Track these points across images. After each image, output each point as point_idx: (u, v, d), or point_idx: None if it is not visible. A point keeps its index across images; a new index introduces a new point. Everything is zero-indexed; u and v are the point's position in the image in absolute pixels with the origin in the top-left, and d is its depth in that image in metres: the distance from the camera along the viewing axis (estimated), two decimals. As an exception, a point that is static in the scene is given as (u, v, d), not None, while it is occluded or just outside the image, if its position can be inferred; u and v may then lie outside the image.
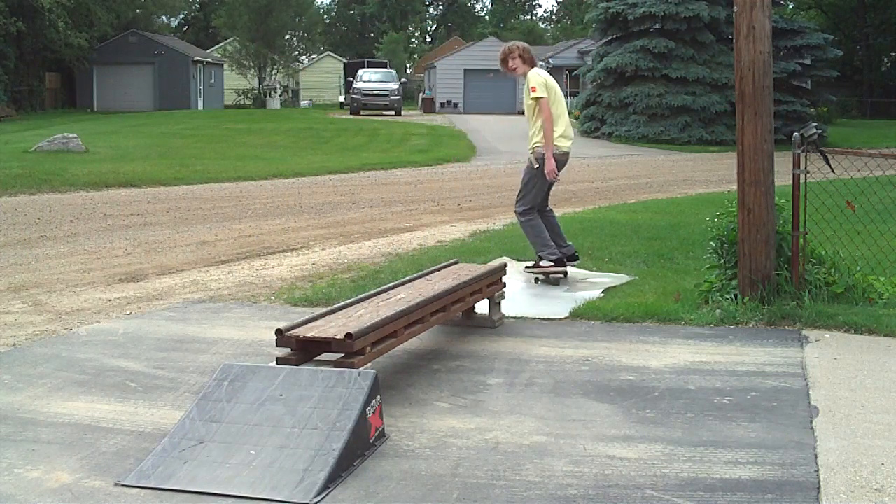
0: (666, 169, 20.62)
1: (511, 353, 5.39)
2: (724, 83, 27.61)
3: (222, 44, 56.20)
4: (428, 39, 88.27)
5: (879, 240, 6.78)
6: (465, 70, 49.21)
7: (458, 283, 5.56)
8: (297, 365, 4.21)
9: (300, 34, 58.62)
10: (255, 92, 52.62)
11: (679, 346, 5.48)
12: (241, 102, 52.42)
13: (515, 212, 7.47)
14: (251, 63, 52.12)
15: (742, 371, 4.97)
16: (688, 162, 22.76)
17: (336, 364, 4.20)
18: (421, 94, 51.96)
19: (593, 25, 31.38)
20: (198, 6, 68.65)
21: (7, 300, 6.98)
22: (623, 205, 12.91)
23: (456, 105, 48.67)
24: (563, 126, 7.20)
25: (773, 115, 6.12)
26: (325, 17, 76.89)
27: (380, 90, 41.65)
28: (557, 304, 6.62)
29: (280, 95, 53.23)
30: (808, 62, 28.81)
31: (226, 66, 53.18)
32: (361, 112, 40.48)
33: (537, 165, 7.20)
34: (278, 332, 4.35)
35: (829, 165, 6.32)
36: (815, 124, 6.57)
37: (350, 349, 4.22)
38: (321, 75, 61.97)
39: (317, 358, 4.33)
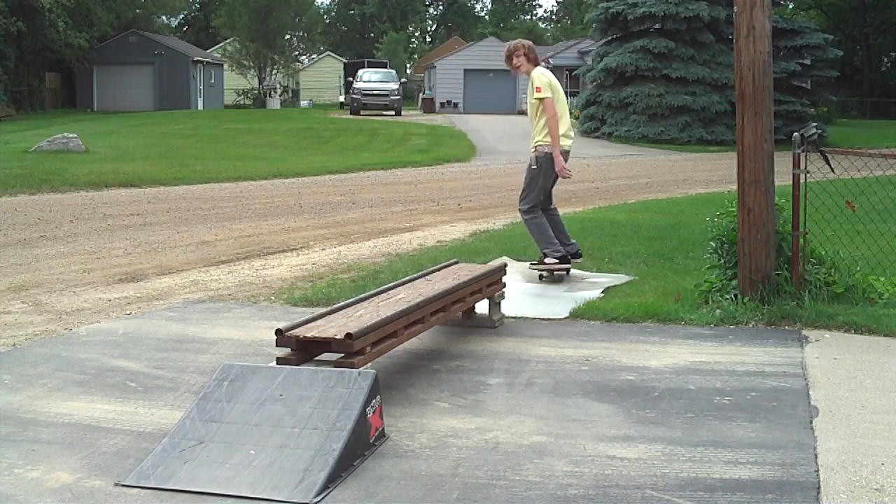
0: (666, 169, 20.62)
1: (511, 353, 5.39)
2: (724, 83, 27.61)
3: (222, 44, 56.20)
4: (428, 39, 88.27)
5: (879, 240, 6.78)
6: (465, 70, 49.22)
7: (458, 283, 5.56)
8: (297, 365, 4.21)
9: (300, 34, 58.63)
10: (255, 92, 52.63)
11: (679, 346, 5.48)
12: (241, 102, 52.43)
13: (520, 210, 7.54)
14: (251, 63, 52.12)
15: (742, 371, 4.97)
16: (688, 162, 22.77)
17: (336, 364, 4.20)
18: (421, 94, 51.96)
19: (593, 25, 31.38)
20: (198, 6, 68.65)
21: (7, 300, 6.98)
22: (623, 205, 12.92)
23: (456, 105, 48.66)
24: (565, 126, 7.34)
25: (773, 115, 6.12)
26: (325, 17, 76.88)
27: (380, 90, 41.66)
28: (557, 304, 6.62)
29: (280, 95, 53.24)
30: (808, 62, 28.82)
31: (226, 66, 53.18)
32: (361, 112, 40.48)
33: (535, 166, 7.31)
34: (278, 332, 4.35)
35: (829, 165, 6.32)
36: (815, 124, 6.57)
37: (350, 349, 4.22)
38: (321, 75, 61.97)
39: (317, 358, 4.33)
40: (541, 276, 7.44)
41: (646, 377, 4.89)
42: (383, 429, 4.01)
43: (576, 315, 6.25)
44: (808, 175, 6.07)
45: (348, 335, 4.21)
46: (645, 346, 5.51)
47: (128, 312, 6.54)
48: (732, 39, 6.37)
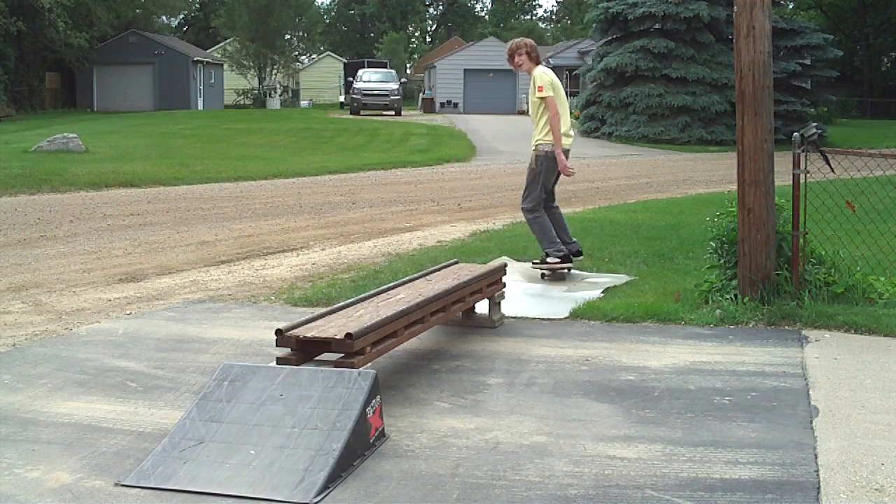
0: (666, 169, 20.62)
1: (511, 353, 5.39)
2: (724, 83, 27.62)
3: (222, 44, 56.21)
4: (428, 39, 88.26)
5: (879, 240, 6.78)
6: (465, 70, 49.21)
7: (458, 283, 5.56)
8: (297, 365, 4.21)
9: (300, 34, 58.63)
10: (255, 92, 52.63)
11: (679, 346, 5.48)
12: (241, 102, 52.43)
13: (522, 209, 7.60)
14: (251, 63, 52.13)
15: (742, 371, 4.97)
16: (688, 162, 22.77)
17: (336, 364, 4.20)
18: (421, 94, 51.95)
19: (593, 25, 31.37)
20: (198, 6, 68.65)
21: (7, 300, 6.98)
22: (623, 205, 12.92)
23: (456, 105, 48.66)
24: (566, 125, 7.42)
25: (773, 115, 6.12)
26: (325, 17, 76.88)
27: (380, 90, 41.66)
28: (557, 304, 6.62)
29: (280, 95, 53.24)
30: (808, 62, 28.82)
31: (226, 66, 53.19)
32: (361, 112, 40.49)
33: (536, 165, 7.38)
34: (278, 332, 4.35)
35: (829, 165, 6.32)
36: (815, 124, 6.57)
37: (350, 349, 4.22)
38: (321, 75, 61.97)
39: (317, 358, 4.33)
40: (543, 275, 7.50)
41: (646, 377, 4.89)
42: (383, 429, 4.01)
43: (576, 315, 6.25)
44: (808, 175, 6.07)
45: (348, 335, 4.21)
46: (645, 346, 5.51)
47: (128, 312, 6.54)
48: (732, 39, 6.37)
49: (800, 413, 4.32)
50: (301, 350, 4.32)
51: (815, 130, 6.14)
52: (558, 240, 7.44)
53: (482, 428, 4.16)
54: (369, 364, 4.45)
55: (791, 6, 43.19)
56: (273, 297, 6.94)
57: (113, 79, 45.73)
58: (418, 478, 3.62)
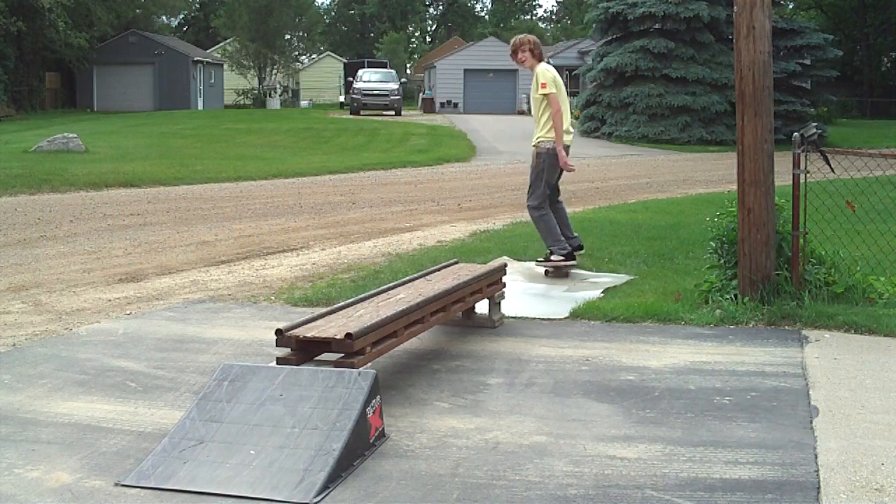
0: (666, 169, 20.62)
1: (511, 353, 5.39)
2: (724, 83, 27.61)
3: (222, 44, 56.21)
4: (428, 39, 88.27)
5: (879, 240, 6.78)
6: (465, 70, 49.21)
7: (458, 283, 5.56)
8: (297, 365, 4.21)
9: (300, 34, 58.63)
10: (255, 92, 52.64)
11: (679, 346, 5.48)
12: (241, 102, 52.43)
13: (528, 206, 7.69)
14: (251, 63, 52.13)
15: (742, 371, 4.97)
16: (688, 162, 22.77)
17: (336, 364, 4.20)
18: (421, 94, 51.95)
19: (593, 25, 31.37)
20: (198, 6, 68.66)
21: (7, 300, 6.98)
22: (623, 205, 12.92)
23: (456, 105, 48.66)
24: (567, 122, 7.52)
25: (773, 115, 6.12)
26: (325, 17, 76.88)
27: (380, 90, 41.67)
28: (557, 304, 6.62)
29: (280, 95, 53.25)
30: (808, 62, 28.82)
31: (226, 66, 53.19)
32: (361, 112, 40.49)
33: (538, 162, 7.48)
34: (278, 332, 4.35)
35: (829, 165, 6.32)
36: (815, 124, 6.57)
37: (350, 349, 4.22)
38: (321, 75, 61.98)
39: (317, 358, 4.33)
40: (546, 272, 7.59)
41: (646, 377, 4.89)
42: (383, 429, 4.01)
43: (576, 315, 6.25)
44: (808, 175, 6.07)
45: (348, 335, 4.21)
46: (645, 346, 5.51)
47: (128, 312, 6.54)
48: (732, 39, 6.37)
49: (800, 413, 4.32)
50: (301, 350, 4.32)
51: (815, 130, 6.14)
52: (562, 238, 7.54)
53: (482, 428, 4.16)
54: (369, 364, 4.45)
55: (791, 6, 43.22)
56: (273, 297, 6.94)
57: (113, 79, 45.74)
58: (418, 478, 3.62)
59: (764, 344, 5.50)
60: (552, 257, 7.53)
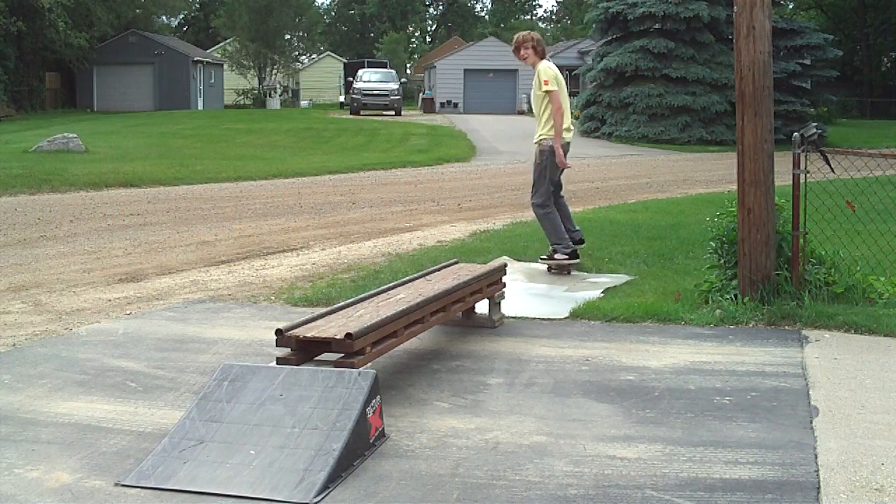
0: (666, 169, 20.62)
1: (511, 353, 5.39)
2: (724, 83, 27.61)
3: (222, 44, 56.21)
4: (428, 39, 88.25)
5: (879, 240, 6.78)
6: (465, 70, 49.19)
7: (458, 283, 5.56)
8: (297, 365, 4.21)
9: (300, 34, 58.62)
10: (255, 92, 52.63)
11: (679, 346, 5.48)
12: (241, 102, 52.43)
13: (532, 204, 7.79)
14: (251, 63, 52.12)
15: (742, 371, 4.97)
16: (688, 162, 22.76)
17: (336, 364, 4.20)
18: (421, 94, 51.94)
19: (593, 25, 31.36)
20: (198, 6, 68.65)
21: (7, 300, 6.98)
22: (623, 205, 12.92)
23: (456, 105, 48.64)
24: (567, 120, 7.64)
25: (773, 115, 6.13)
26: (325, 17, 76.88)
27: (380, 90, 41.66)
28: (557, 304, 6.62)
29: (280, 95, 53.24)
30: (808, 62, 28.81)
31: (226, 66, 53.18)
32: (361, 112, 40.48)
33: (541, 160, 7.59)
34: (278, 332, 4.35)
35: (829, 165, 6.32)
36: (815, 124, 6.57)
37: (350, 349, 4.22)
38: (321, 75, 61.97)
39: (317, 358, 4.33)
40: (550, 268, 7.70)
41: (646, 377, 4.89)
42: (383, 429, 4.01)
43: (576, 315, 6.25)
44: (808, 175, 6.07)
45: (348, 335, 4.21)
46: (645, 346, 5.51)
47: (128, 312, 6.54)
48: (732, 39, 6.37)
49: (800, 413, 4.32)
50: (301, 350, 4.32)
51: (815, 130, 6.14)
52: (567, 236, 7.64)
53: (482, 428, 4.16)
54: (369, 364, 4.45)
55: (791, 6, 43.21)
56: (273, 297, 6.94)
57: (113, 79, 45.74)
58: (418, 478, 3.62)
59: (764, 344, 5.50)
60: (556, 256, 7.62)
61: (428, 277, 5.79)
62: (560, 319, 6.21)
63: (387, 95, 41.32)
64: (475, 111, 45.97)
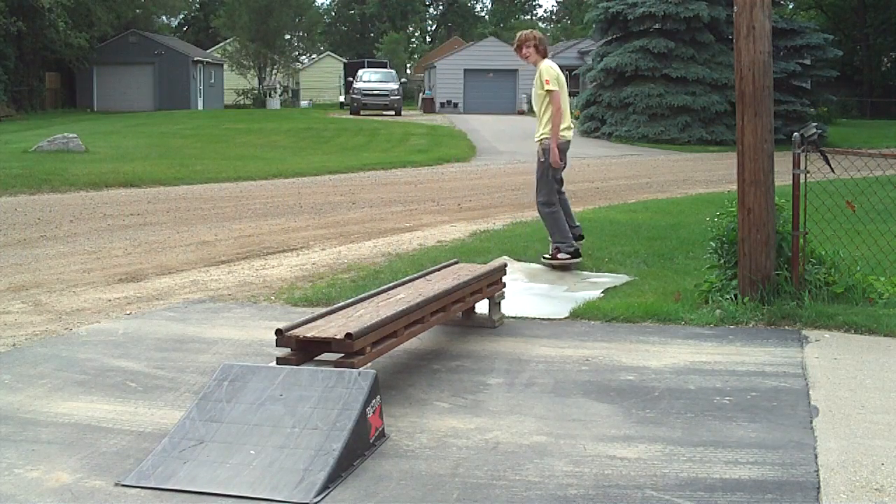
0: (666, 169, 20.62)
1: (511, 353, 5.39)
2: (724, 83, 27.61)
3: (222, 44, 56.21)
4: (428, 39, 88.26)
5: (879, 240, 6.78)
6: (465, 70, 49.19)
7: (458, 283, 5.56)
8: (297, 365, 4.21)
9: (300, 34, 58.62)
10: (255, 92, 52.62)
11: (679, 346, 5.48)
12: (241, 102, 52.43)
13: (537, 202, 7.86)
14: (251, 63, 52.12)
15: (742, 371, 4.97)
16: (688, 162, 22.76)
17: (336, 364, 4.20)
18: (421, 94, 51.94)
19: (593, 25, 31.36)
20: (198, 6, 68.65)
21: (7, 300, 6.98)
22: (623, 205, 12.92)
23: (456, 105, 48.64)
24: (568, 119, 7.75)
25: (773, 115, 6.13)
26: (325, 17, 76.87)
27: (380, 90, 41.66)
28: (557, 304, 6.62)
29: (280, 95, 53.24)
30: (808, 62, 28.81)
31: (226, 66, 53.18)
32: (361, 112, 40.48)
33: (543, 159, 7.66)
34: (278, 332, 4.35)
35: (829, 165, 6.32)
36: (815, 124, 6.57)
37: (350, 349, 4.22)
38: (321, 75, 61.97)
39: (317, 358, 4.33)
40: (552, 266, 7.76)
41: (646, 377, 4.89)
42: (383, 429, 4.01)
43: (576, 315, 6.25)
44: (808, 175, 6.07)
45: (348, 335, 4.21)
46: (645, 346, 5.51)
47: (128, 312, 6.54)
48: (732, 39, 6.37)
49: (800, 413, 4.32)
50: (301, 350, 4.32)
51: (815, 130, 6.14)
52: (570, 236, 7.72)
53: (482, 428, 4.16)
54: (369, 364, 4.45)
55: (791, 6, 43.22)
56: (273, 297, 6.94)
57: (113, 79, 45.74)
58: (418, 478, 3.62)
59: (764, 344, 5.50)
60: (559, 255, 7.69)
61: (428, 277, 5.79)
62: (560, 319, 6.21)
63: (387, 95, 41.32)
64: (475, 111, 45.96)
